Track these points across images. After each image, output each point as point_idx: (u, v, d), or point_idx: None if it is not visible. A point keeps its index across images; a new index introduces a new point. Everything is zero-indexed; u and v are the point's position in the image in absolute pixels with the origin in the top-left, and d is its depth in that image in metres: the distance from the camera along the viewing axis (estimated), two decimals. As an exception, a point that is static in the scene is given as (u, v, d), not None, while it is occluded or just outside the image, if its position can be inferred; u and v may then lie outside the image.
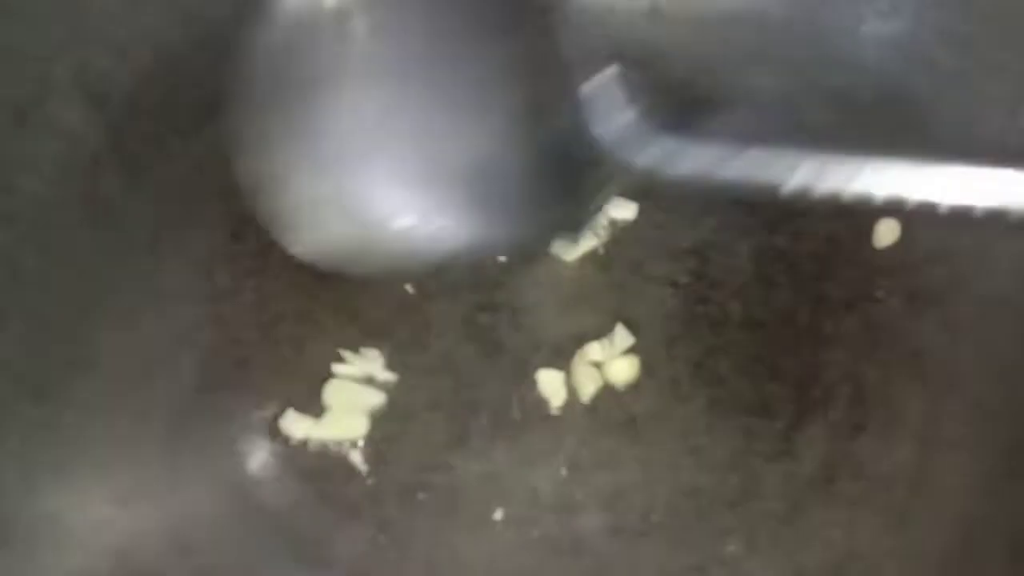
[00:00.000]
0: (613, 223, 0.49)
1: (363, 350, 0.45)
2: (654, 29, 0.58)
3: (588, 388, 0.44)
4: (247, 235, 0.48)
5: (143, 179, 0.47)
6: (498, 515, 0.41)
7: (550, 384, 0.45)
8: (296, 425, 0.42)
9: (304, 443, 0.42)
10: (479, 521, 0.40)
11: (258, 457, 0.41)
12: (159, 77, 0.50)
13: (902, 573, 0.39)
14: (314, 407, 0.43)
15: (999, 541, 0.39)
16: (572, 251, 0.48)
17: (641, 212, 0.51)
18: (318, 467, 0.42)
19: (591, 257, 0.49)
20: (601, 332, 0.46)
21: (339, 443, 0.42)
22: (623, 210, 0.49)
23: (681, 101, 0.51)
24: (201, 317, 0.45)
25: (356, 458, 0.42)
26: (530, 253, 0.47)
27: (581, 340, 0.46)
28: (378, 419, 0.43)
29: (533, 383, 0.45)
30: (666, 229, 0.50)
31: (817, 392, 0.45)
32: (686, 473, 0.42)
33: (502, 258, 0.48)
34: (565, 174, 0.44)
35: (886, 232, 0.50)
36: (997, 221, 0.47)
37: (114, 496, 0.40)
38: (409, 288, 0.47)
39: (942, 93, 0.52)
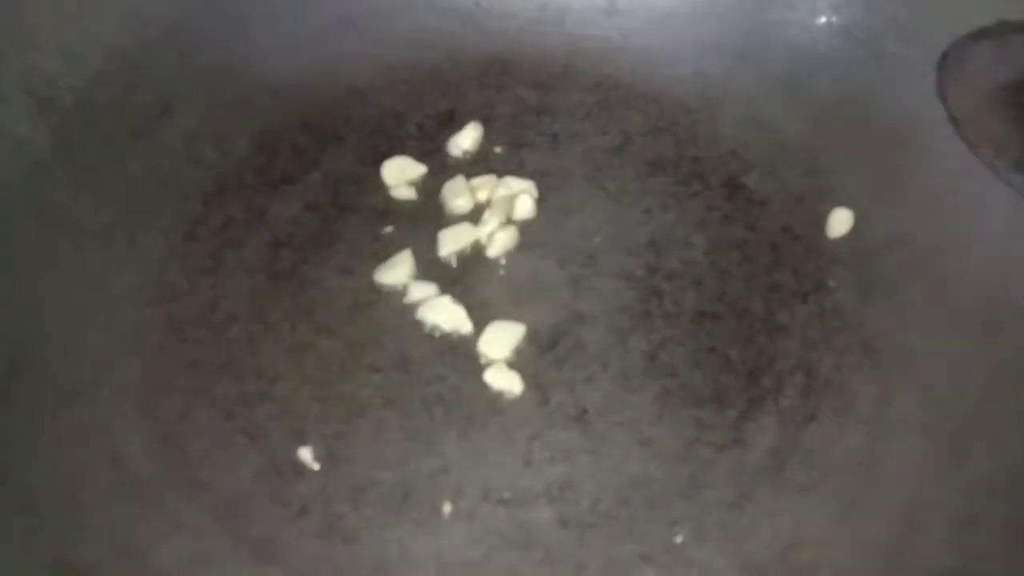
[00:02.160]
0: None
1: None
2: (611, 24, 0.59)
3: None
4: (201, 235, 0.48)
5: (92, 182, 0.47)
6: (447, 509, 0.41)
7: (502, 379, 0.45)
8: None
9: (253, 441, 0.42)
10: (429, 516, 0.41)
11: (208, 456, 0.41)
12: (110, 79, 0.50)
13: (850, 558, 0.40)
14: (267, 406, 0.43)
15: (942, 524, 0.40)
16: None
17: (598, 207, 0.51)
18: (268, 465, 0.41)
19: (547, 252, 0.49)
20: (556, 326, 0.47)
21: (288, 440, 0.42)
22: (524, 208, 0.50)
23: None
24: (152, 318, 0.45)
25: (306, 455, 0.42)
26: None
27: (536, 333, 0.46)
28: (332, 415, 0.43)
29: (486, 377, 0.45)
30: (622, 223, 0.51)
31: (769, 381, 0.45)
32: (636, 464, 0.42)
33: (449, 256, 0.49)
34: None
35: (839, 222, 0.51)
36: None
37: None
38: (361, 285, 0.47)
39: (893, 81, 0.53)
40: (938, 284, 0.47)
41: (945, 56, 0.44)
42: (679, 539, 0.40)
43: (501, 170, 0.52)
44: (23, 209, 0.45)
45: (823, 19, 0.55)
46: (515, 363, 0.45)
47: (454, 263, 0.49)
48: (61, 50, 0.49)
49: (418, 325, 0.46)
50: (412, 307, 0.47)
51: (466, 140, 0.53)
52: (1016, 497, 0.40)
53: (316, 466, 0.42)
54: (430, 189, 0.51)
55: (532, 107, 0.55)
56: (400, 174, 0.51)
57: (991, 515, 0.39)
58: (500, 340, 0.45)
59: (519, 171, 0.52)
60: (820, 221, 0.51)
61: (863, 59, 0.54)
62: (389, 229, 0.50)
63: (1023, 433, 0.41)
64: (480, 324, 0.46)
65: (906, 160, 0.51)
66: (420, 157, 0.52)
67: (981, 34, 0.44)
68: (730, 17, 0.57)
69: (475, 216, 0.51)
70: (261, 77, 0.54)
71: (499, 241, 0.50)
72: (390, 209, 0.50)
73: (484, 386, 0.44)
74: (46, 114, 0.47)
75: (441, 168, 0.52)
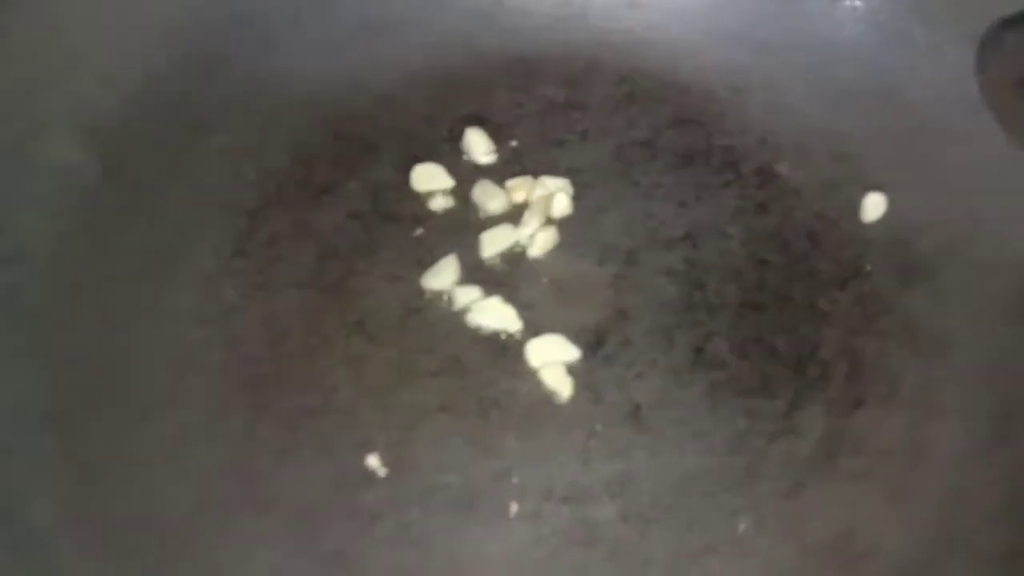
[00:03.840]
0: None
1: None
2: (634, 18, 0.59)
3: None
4: (250, 251, 0.49)
5: (141, 204, 0.48)
6: (513, 510, 0.42)
7: (555, 378, 0.46)
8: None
9: (320, 452, 0.43)
10: (496, 518, 0.42)
11: (275, 471, 0.43)
12: (149, 101, 0.51)
13: (903, 542, 0.41)
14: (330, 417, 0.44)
15: (991, 505, 0.41)
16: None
17: (632, 202, 0.52)
18: (337, 475, 0.43)
19: (587, 251, 0.50)
20: (601, 324, 0.48)
21: (355, 449, 0.43)
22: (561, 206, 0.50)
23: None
24: (210, 337, 0.46)
25: (374, 463, 0.43)
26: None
27: (582, 332, 0.47)
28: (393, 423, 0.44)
29: (539, 378, 0.46)
30: (658, 218, 0.51)
31: (815, 370, 0.46)
32: (692, 457, 0.44)
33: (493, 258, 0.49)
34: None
35: (873, 206, 0.52)
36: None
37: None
38: (410, 291, 0.48)
39: (919, 65, 0.53)
40: (975, 266, 0.48)
41: (980, 45, 0.44)
42: (741, 529, 0.42)
43: (535, 170, 0.53)
44: (78, 237, 0.46)
45: (847, 3, 0.56)
46: (566, 364, 0.46)
47: (497, 265, 0.50)
48: (101, 75, 0.49)
49: (467, 329, 0.47)
50: (460, 311, 0.48)
51: (474, 148, 0.53)
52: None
53: (382, 473, 0.43)
54: (467, 192, 0.52)
55: (560, 104, 0.56)
56: (429, 181, 0.52)
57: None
58: (547, 352, 0.46)
59: (552, 169, 0.53)
60: (854, 206, 0.51)
61: (888, 43, 0.54)
62: (431, 234, 0.50)
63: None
64: (527, 325, 0.47)
65: (936, 143, 0.51)
66: (454, 161, 0.53)
67: (1010, 22, 0.44)
68: (752, 5, 0.57)
69: (512, 216, 0.51)
70: (292, 90, 0.54)
71: (540, 241, 0.50)
72: (430, 214, 0.51)
73: (538, 386, 0.45)
74: (93, 140, 0.48)
75: (476, 171, 0.53)
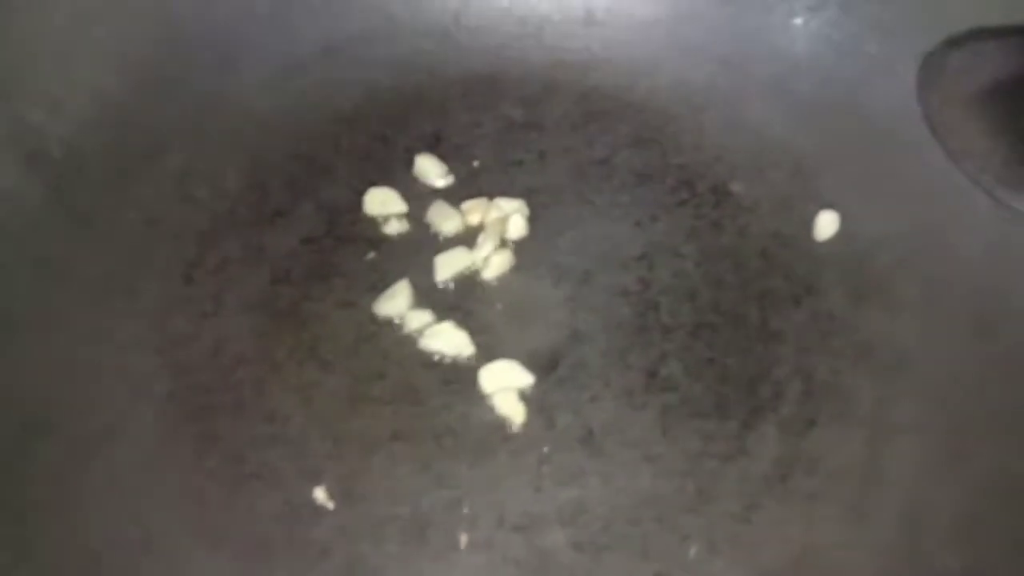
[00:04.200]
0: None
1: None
2: (591, 36, 0.59)
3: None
4: (199, 277, 0.49)
5: (87, 231, 0.47)
6: (464, 540, 0.42)
7: (508, 404, 0.45)
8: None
9: (268, 484, 0.43)
10: (447, 549, 0.41)
11: (225, 504, 0.42)
12: (98, 125, 0.50)
13: (859, 563, 0.41)
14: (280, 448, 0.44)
15: (947, 524, 0.41)
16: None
17: (588, 222, 0.52)
18: (285, 507, 0.42)
19: (542, 272, 0.50)
20: (555, 347, 0.47)
21: (303, 481, 0.43)
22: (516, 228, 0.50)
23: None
24: (158, 366, 0.45)
25: (321, 495, 0.42)
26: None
27: (536, 356, 0.47)
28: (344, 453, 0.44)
29: (492, 404, 0.45)
30: (614, 238, 0.51)
31: (768, 389, 0.46)
32: (645, 481, 0.43)
33: (446, 281, 0.49)
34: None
35: (826, 224, 0.52)
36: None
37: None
38: (363, 317, 0.48)
39: (873, 81, 0.54)
40: (929, 283, 0.48)
41: (922, 66, 0.44)
42: (692, 553, 0.41)
43: (491, 190, 0.53)
44: (20, 264, 0.45)
45: (799, 21, 0.56)
46: (519, 389, 0.46)
47: (451, 288, 0.50)
48: (47, 99, 0.49)
49: (421, 354, 0.47)
50: (413, 336, 0.48)
51: (427, 173, 0.53)
52: (1018, 494, 0.41)
53: (331, 505, 0.42)
54: (422, 214, 0.52)
55: (518, 123, 0.56)
56: (382, 205, 0.52)
57: (995, 513, 0.41)
58: (500, 378, 0.46)
59: (509, 190, 0.53)
60: (808, 224, 0.51)
61: (842, 60, 0.55)
62: (385, 258, 0.50)
63: (1019, 431, 0.43)
64: (481, 348, 0.47)
65: (891, 159, 0.51)
66: (411, 182, 0.53)
67: (955, 42, 0.45)
68: (709, 23, 0.57)
69: (468, 238, 0.51)
70: (248, 111, 0.54)
71: (494, 264, 0.50)
72: (384, 237, 0.51)
73: (491, 412, 0.45)
74: (36, 166, 0.47)
75: (432, 192, 0.53)
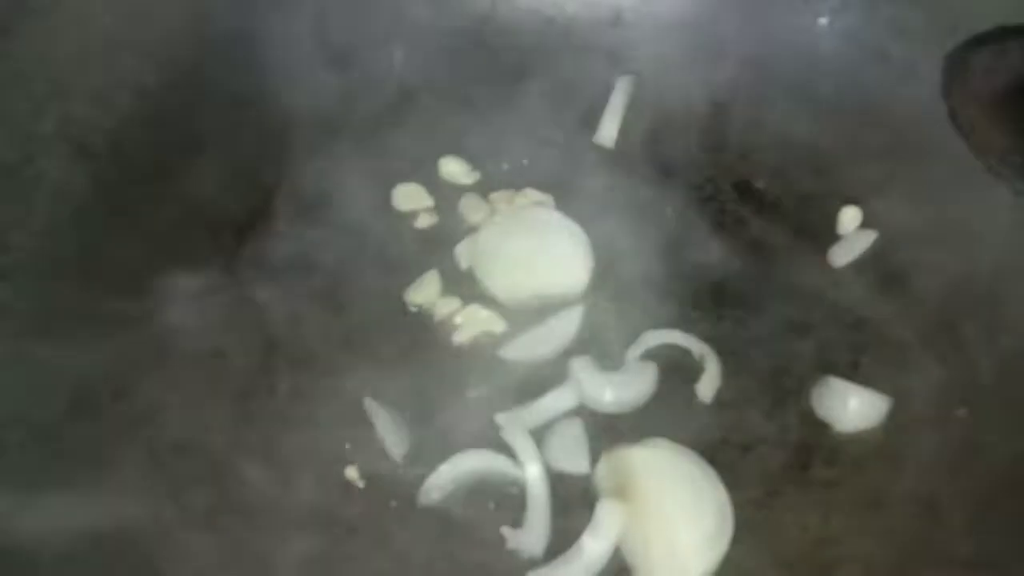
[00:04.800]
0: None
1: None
2: (617, 35, 0.60)
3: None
4: (236, 269, 0.50)
5: (130, 223, 0.49)
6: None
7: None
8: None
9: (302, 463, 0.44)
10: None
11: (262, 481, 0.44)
12: (139, 119, 0.52)
13: (875, 550, 0.42)
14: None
15: (961, 514, 0.42)
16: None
17: (613, 215, 0.53)
18: (317, 487, 0.44)
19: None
20: (580, 335, 0.48)
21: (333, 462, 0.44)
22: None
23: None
24: (199, 351, 0.47)
25: (353, 474, 0.44)
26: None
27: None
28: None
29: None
30: (638, 231, 0.51)
31: (790, 381, 0.47)
32: (668, 468, 0.44)
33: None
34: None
35: (848, 220, 0.52)
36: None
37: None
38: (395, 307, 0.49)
39: (895, 81, 0.54)
40: (949, 277, 0.48)
41: (946, 64, 0.45)
42: (713, 539, 0.42)
43: (519, 183, 0.54)
44: (69, 256, 0.47)
45: (824, 22, 0.57)
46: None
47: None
48: (92, 94, 0.50)
49: (448, 340, 0.48)
50: (443, 322, 0.49)
51: (453, 175, 0.54)
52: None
53: (362, 484, 0.44)
54: (453, 206, 0.53)
55: (546, 120, 0.57)
56: (409, 200, 0.53)
57: (1008, 503, 0.41)
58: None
59: (536, 183, 0.54)
60: (830, 219, 0.52)
61: (865, 61, 0.55)
62: (415, 249, 0.51)
63: (1034, 423, 0.43)
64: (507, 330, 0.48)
65: (913, 157, 0.52)
66: (440, 178, 0.54)
67: (979, 41, 0.45)
68: (733, 24, 0.58)
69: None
70: (284, 107, 0.55)
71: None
72: (414, 230, 0.52)
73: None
74: (84, 159, 0.49)
75: (462, 186, 0.54)
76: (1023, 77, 0.44)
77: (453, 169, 0.54)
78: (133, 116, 0.51)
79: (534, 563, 0.42)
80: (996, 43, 0.45)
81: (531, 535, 0.42)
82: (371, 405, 0.45)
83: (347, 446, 0.45)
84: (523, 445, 0.43)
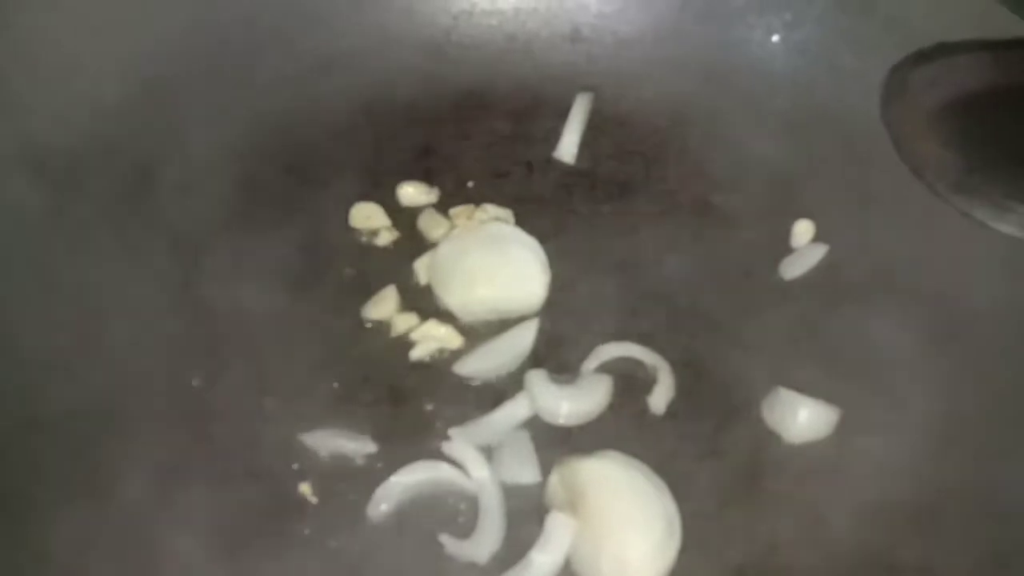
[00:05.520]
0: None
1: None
2: (578, 51, 0.61)
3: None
4: (194, 284, 0.50)
5: (87, 241, 0.49)
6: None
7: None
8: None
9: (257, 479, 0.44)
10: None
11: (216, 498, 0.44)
12: (98, 138, 0.52)
13: (820, 559, 0.42)
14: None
15: (903, 521, 0.42)
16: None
17: (572, 231, 0.53)
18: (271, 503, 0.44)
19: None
20: (536, 349, 0.49)
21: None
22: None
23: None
24: (153, 369, 0.47)
25: (306, 490, 0.44)
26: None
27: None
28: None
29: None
30: (596, 247, 0.52)
31: (743, 393, 0.48)
32: (620, 479, 0.45)
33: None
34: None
35: (802, 233, 0.53)
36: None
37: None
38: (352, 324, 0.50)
39: (848, 95, 0.55)
40: (898, 290, 0.49)
41: (887, 80, 0.46)
42: (663, 550, 0.43)
43: (479, 199, 0.54)
44: (23, 274, 0.47)
45: (777, 38, 0.58)
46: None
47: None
48: (51, 113, 0.51)
49: (405, 357, 0.49)
50: (401, 339, 0.49)
51: (412, 199, 0.54)
52: (972, 494, 0.42)
53: (315, 500, 0.44)
54: (412, 222, 0.53)
55: (506, 136, 0.57)
56: (366, 220, 0.53)
57: (948, 513, 0.42)
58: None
59: (496, 199, 0.54)
60: (785, 233, 0.53)
61: (819, 74, 0.56)
62: (374, 265, 0.52)
63: (978, 432, 0.44)
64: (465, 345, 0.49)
65: (865, 171, 0.53)
66: (399, 195, 0.54)
67: (920, 57, 0.46)
68: (690, 40, 0.59)
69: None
70: (244, 124, 0.56)
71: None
72: (374, 246, 0.53)
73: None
74: (40, 178, 0.49)
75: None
76: (961, 93, 0.44)
77: (412, 193, 0.55)
78: (92, 133, 0.52)
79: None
80: (938, 59, 0.46)
81: (480, 542, 0.42)
82: (327, 420, 0.46)
83: (296, 464, 0.45)
84: (471, 456, 0.44)
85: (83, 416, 0.45)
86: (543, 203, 0.55)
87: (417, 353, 0.49)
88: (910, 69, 0.45)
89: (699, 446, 0.46)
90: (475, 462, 0.44)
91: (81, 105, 0.52)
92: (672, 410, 0.47)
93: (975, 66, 0.43)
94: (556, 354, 0.49)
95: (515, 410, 0.47)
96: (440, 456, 0.45)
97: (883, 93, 0.45)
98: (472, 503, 0.44)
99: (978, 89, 0.43)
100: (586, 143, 0.57)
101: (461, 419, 0.46)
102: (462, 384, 0.48)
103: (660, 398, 0.47)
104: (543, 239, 0.52)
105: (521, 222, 0.53)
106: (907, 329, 0.48)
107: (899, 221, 0.51)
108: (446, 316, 0.50)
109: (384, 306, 0.50)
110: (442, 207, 0.54)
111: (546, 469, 0.45)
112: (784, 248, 0.53)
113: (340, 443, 0.45)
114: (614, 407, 0.47)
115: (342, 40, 0.59)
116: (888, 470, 0.44)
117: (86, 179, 0.50)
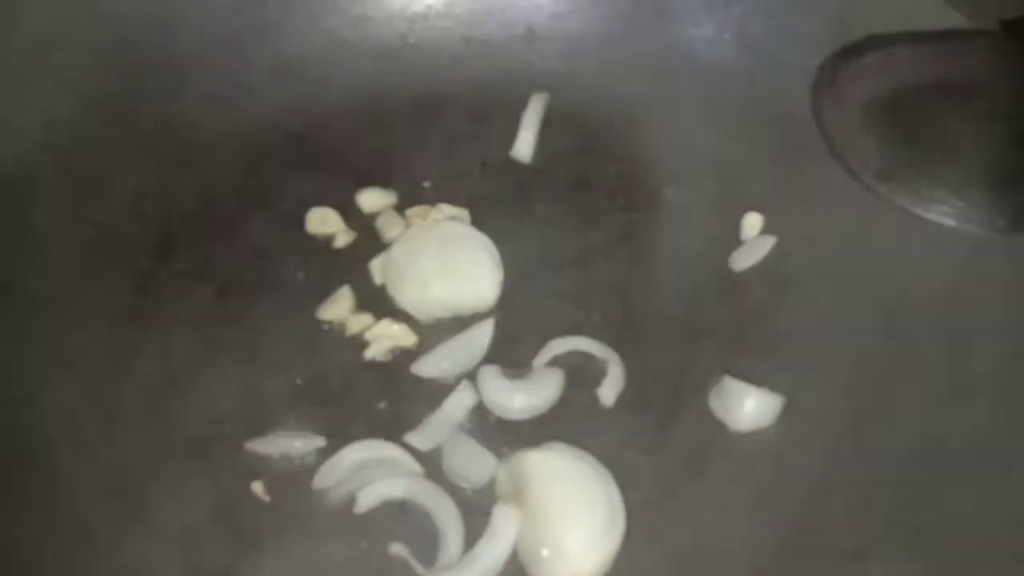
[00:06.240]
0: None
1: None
2: (532, 52, 0.61)
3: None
4: (150, 290, 0.51)
5: (41, 249, 0.50)
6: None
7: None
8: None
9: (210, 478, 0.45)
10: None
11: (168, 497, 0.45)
12: (51, 146, 0.52)
13: (762, 544, 0.43)
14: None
15: (844, 506, 0.43)
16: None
17: (528, 228, 0.54)
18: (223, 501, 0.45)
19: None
20: (492, 345, 0.50)
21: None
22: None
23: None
24: (108, 375, 0.48)
25: (259, 489, 0.45)
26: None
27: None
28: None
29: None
30: (551, 243, 0.53)
31: (691, 383, 0.48)
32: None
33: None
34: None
35: (751, 225, 0.54)
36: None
37: None
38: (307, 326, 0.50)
39: (794, 90, 0.55)
40: (842, 279, 0.50)
41: (816, 74, 0.47)
42: (608, 539, 0.43)
43: (436, 199, 0.55)
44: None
45: (727, 35, 0.58)
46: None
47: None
48: (2, 123, 0.51)
49: (360, 357, 0.49)
50: (356, 339, 0.50)
51: (370, 204, 0.55)
52: (912, 480, 0.43)
53: (267, 498, 0.45)
54: (370, 223, 0.54)
55: (464, 136, 0.58)
56: (322, 225, 0.54)
57: (887, 499, 0.43)
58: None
59: (453, 199, 0.55)
60: (735, 226, 0.54)
61: (767, 70, 0.57)
62: (330, 267, 0.52)
63: (918, 418, 0.45)
64: (421, 344, 0.50)
65: (811, 164, 0.53)
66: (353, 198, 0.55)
67: (850, 50, 0.47)
68: (641, 37, 0.59)
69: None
70: (200, 131, 0.56)
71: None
72: (330, 249, 0.53)
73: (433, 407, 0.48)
74: (-7, 186, 0.50)
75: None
76: (888, 86, 0.45)
77: (370, 200, 0.55)
78: (45, 143, 0.52)
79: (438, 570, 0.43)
80: (866, 52, 0.47)
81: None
82: (281, 421, 0.47)
83: (249, 464, 0.45)
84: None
85: (35, 422, 0.45)
86: (501, 201, 0.55)
87: (371, 352, 0.50)
88: (838, 62, 0.46)
89: (647, 436, 0.47)
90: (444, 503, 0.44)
91: (35, 116, 0.52)
92: (621, 402, 0.48)
93: (905, 58, 0.44)
94: (509, 350, 0.50)
95: (460, 400, 0.47)
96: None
97: (812, 86, 0.45)
98: (423, 499, 0.45)
99: (906, 81, 0.43)
100: (542, 142, 0.58)
101: (417, 420, 0.47)
102: (417, 382, 0.49)
103: (610, 390, 0.48)
104: (500, 237, 0.53)
105: (478, 221, 0.54)
106: (850, 317, 0.49)
107: (843, 213, 0.52)
108: (401, 316, 0.51)
109: (339, 307, 0.51)
110: (400, 208, 0.55)
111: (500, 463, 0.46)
112: (734, 240, 0.53)
113: (293, 443, 0.46)
114: (565, 400, 0.48)
115: (297, 46, 0.60)
116: (829, 457, 0.44)
117: (39, 188, 0.51)
